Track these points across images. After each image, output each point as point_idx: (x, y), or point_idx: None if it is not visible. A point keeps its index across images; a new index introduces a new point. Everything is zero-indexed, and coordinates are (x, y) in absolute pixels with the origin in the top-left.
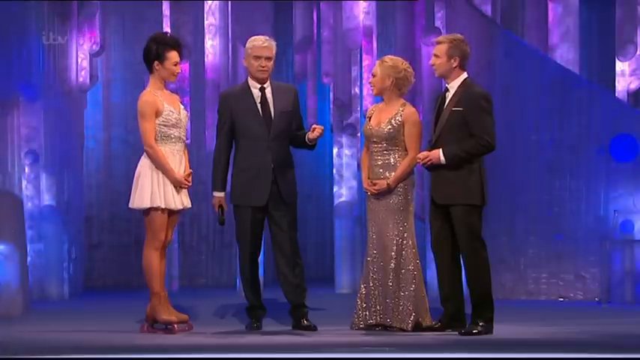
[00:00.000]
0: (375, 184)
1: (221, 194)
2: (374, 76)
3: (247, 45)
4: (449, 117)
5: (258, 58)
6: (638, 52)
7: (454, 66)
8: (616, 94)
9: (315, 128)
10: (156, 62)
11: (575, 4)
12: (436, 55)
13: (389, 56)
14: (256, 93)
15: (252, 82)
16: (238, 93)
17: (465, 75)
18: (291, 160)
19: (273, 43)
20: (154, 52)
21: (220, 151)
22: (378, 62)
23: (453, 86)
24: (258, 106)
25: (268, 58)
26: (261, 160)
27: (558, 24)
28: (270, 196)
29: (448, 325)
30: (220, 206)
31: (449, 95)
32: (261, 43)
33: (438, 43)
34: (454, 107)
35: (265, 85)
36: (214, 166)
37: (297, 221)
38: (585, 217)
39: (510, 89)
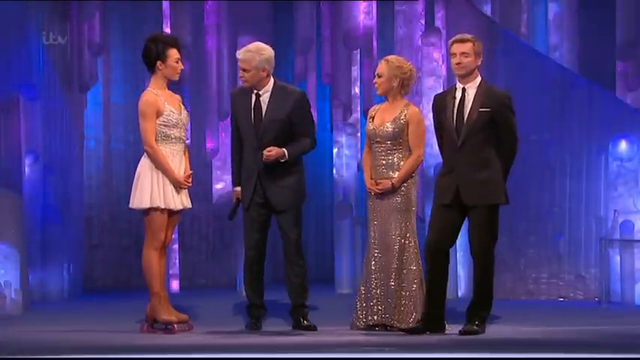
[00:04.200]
0: (378, 184)
1: (237, 188)
2: (379, 76)
3: None
4: (477, 118)
5: (240, 69)
6: (637, 52)
7: (478, 64)
8: (616, 94)
9: (263, 153)
10: (158, 62)
11: (575, 4)
12: (465, 54)
13: (393, 56)
14: (253, 98)
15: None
16: (241, 94)
17: (479, 76)
18: (287, 166)
19: (250, 55)
20: (154, 52)
21: (233, 148)
22: (382, 62)
23: (472, 86)
24: (252, 111)
25: (244, 69)
26: (252, 164)
27: (558, 24)
28: (259, 199)
29: (427, 328)
30: (238, 199)
31: (468, 96)
32: (238, 54)
33: (464, 41)
34: (481, 108)
35: (261, 92)
36: (231, 162)
37: (301, 221)
38: (585, 217)
39: (510, 89)
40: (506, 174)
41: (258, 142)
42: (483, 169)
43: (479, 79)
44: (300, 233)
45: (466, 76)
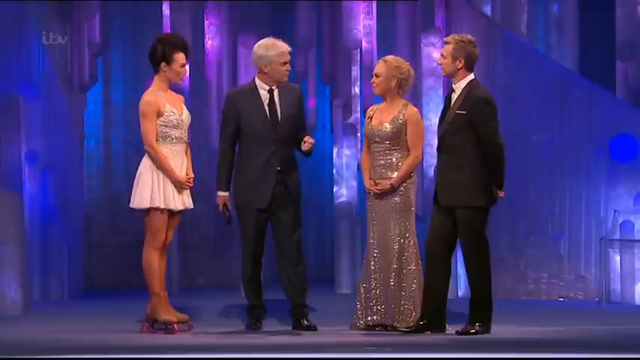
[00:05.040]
0: (377, 184)
1: (225, 194)
2: (377, 76)
3: (269, 52)
4: (453, 119)
5: (285, 63)
6: (637, 52)
7: (459, 67)
8: (616, 94)
9: (306, 141)
10: (162, 63)
11: (575, 4)
12: (442, 55)
13: (391, 56)
14: (264, 95)
15: (260, 84)
16: (246, 93)
17: (471, 76)
18: (296, 161)
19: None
20: (160, 52)
21: (225, 150)
22: (380, 62)
23: (459, 87)
24: (266, 108)
25: (289, 62)
26: (267, 162)
27: (558, 24)
28: (274, 197)
29: (427, 328)
30: (225, 205)
31: (454, 96)
32: (286, 48)
33: (446, 43)
34: (458, 110)
35: (274, 87)
36: (219, 166)
37: (300, 221)
38: (585, 217)
39: (510, 89)
40: (496, 179)
41: (277, 137)
42: (457, 171)
43: (468, 79)
44: (301, 233)
45: (451, 77)
